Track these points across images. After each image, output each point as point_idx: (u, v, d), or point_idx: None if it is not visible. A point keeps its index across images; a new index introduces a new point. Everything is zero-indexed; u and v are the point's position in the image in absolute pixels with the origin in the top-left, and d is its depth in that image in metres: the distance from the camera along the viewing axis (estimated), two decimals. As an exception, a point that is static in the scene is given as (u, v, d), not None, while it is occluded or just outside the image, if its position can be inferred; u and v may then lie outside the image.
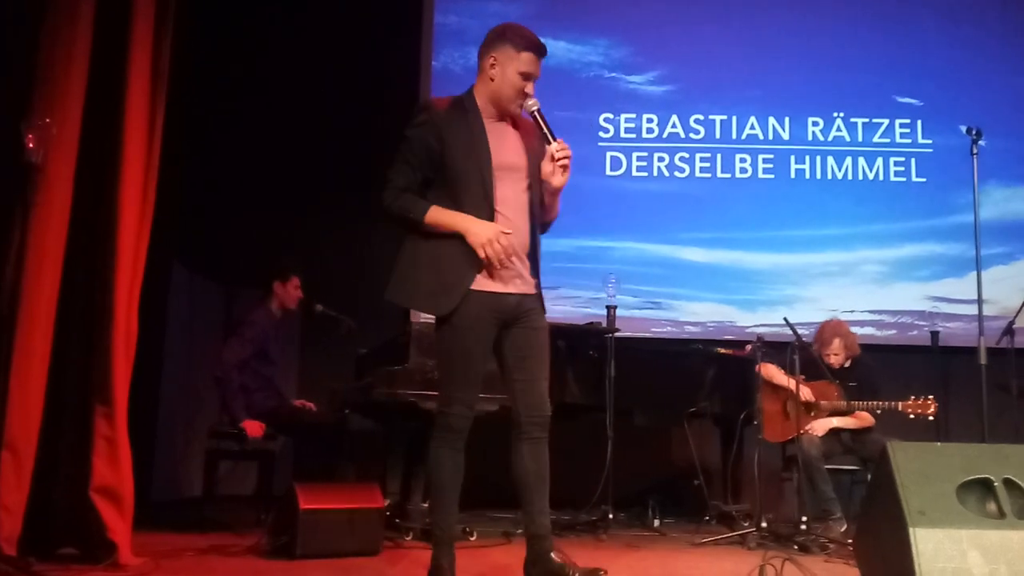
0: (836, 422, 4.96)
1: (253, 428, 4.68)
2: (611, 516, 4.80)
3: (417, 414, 4.25)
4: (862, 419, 4.97)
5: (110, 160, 3.33)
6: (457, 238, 2.87)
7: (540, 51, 2.98)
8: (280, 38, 6.64)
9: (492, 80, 2.98)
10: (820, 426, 4.93)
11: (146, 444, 5.08)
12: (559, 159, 2.92)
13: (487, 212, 2.89)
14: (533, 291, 3.00)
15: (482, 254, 2.84)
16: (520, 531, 4.30)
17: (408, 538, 4.26)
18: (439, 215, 2.88)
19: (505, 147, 2.99)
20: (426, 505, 4.56)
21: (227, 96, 6.38)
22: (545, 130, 2.94)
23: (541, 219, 3.04)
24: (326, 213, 6.43)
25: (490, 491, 5.03)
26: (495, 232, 2.84)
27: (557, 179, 2.94)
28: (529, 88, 2.96)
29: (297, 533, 3.64)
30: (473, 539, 4.32)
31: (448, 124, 2.94)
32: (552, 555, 2.96)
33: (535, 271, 3.02)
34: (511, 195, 2.95)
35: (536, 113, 2.96)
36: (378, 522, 3.87)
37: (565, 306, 6.39)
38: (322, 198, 6.47)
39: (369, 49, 6.67)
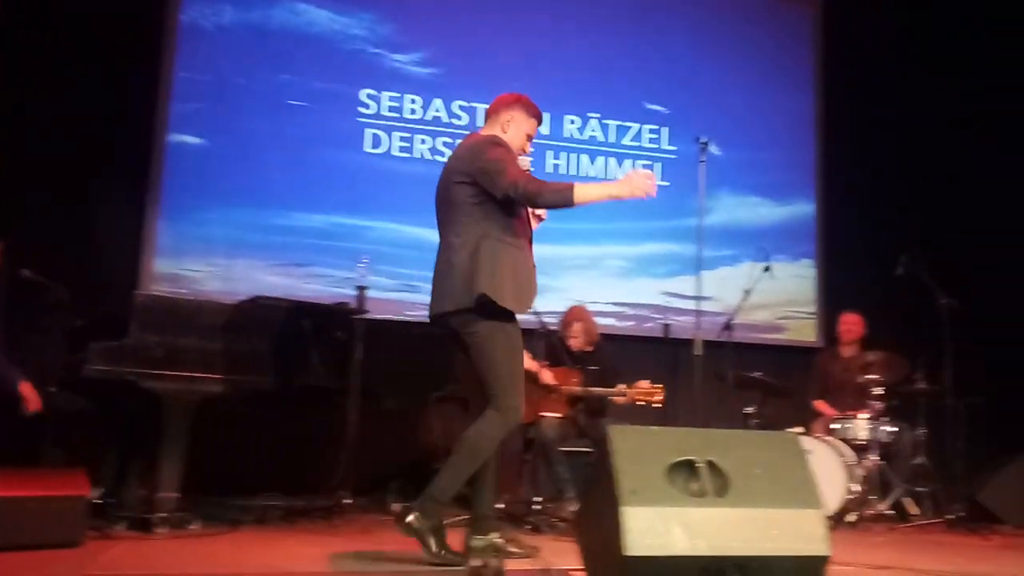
0: None
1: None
2: (349, 501, 4.69)
3: (137, 394, 3.93)
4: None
5: None
6: (527, 251, 3.53)
7: (541, 120, 3.74)
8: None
9: (505, 132, 3.64)
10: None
11: None
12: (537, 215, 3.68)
13: (528, 223, 3.61)
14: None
15: (643, 195, 3.34)
16: (250, 519, 4.25)
17: (120, 528, 3.93)
18: (585, 188, 3.48)
19: None
20: (142, 492, 4.24)
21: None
22: None
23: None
24: (48, 175, 5.69)
25: (214, 478, 4.82)
26: (641, 179, 3.36)
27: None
28: (528, 147, 3.70)
29: (-14, 523, 3.27)
30: (195, 527, 4.04)
31: None
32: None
33: None
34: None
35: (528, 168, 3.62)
36: (80, 511, 3.55)
37: (316, 285, 6.21)
38: (45, 157, 5.68)
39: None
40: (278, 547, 3.82)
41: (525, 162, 3.66)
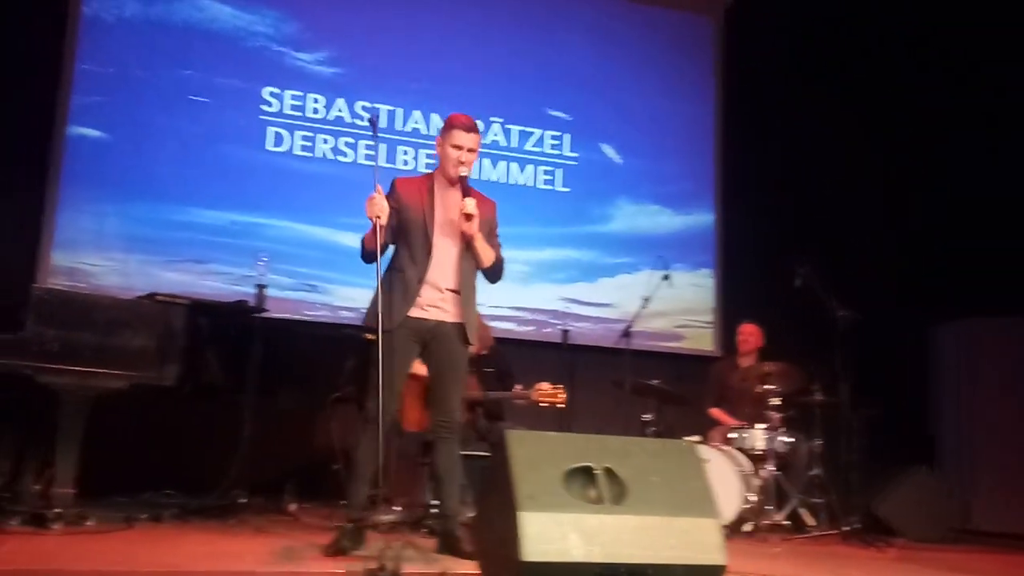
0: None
1: None
2: (244, 501, 4.67)
3: (32, 388, 3.85)
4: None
5: None
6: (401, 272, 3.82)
7: (466, 127, 3.84)
8: None
9: (439, 155, 3.90)
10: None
11: None
12: (463, 212, 3.73)
13: (425, 254, 3.81)
14: (452, 319, 3.82)
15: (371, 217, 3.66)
16: (145, 516, 4.34)
17: (14, 523, 3.85)
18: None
19: (446, 207, 3.84)
20: (37, 487, 4.16)
21: None
22: (463, 190, 3.77)
23: (479, 266, 3.88)
24: None
25: (110, 474, 4.74)
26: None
27: (463, 227, 3.75)
28: (463, 157, 3.81)
29: None
30: (90, 524, 3.99)
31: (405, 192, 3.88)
32: (457, 533, 3.78)
33: (464, 303, 3.83)
34: (445, 245, 3.82)
35: (463, 179, 3.80)
36: (-28, 506, 3.46)
37: (215, 282, 6.13)
38: None
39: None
40: (172, 544, 3.79)
41: (461, 171, 3.80)
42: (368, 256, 3.75)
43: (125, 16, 6.27)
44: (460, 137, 3.83)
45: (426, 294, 3.81)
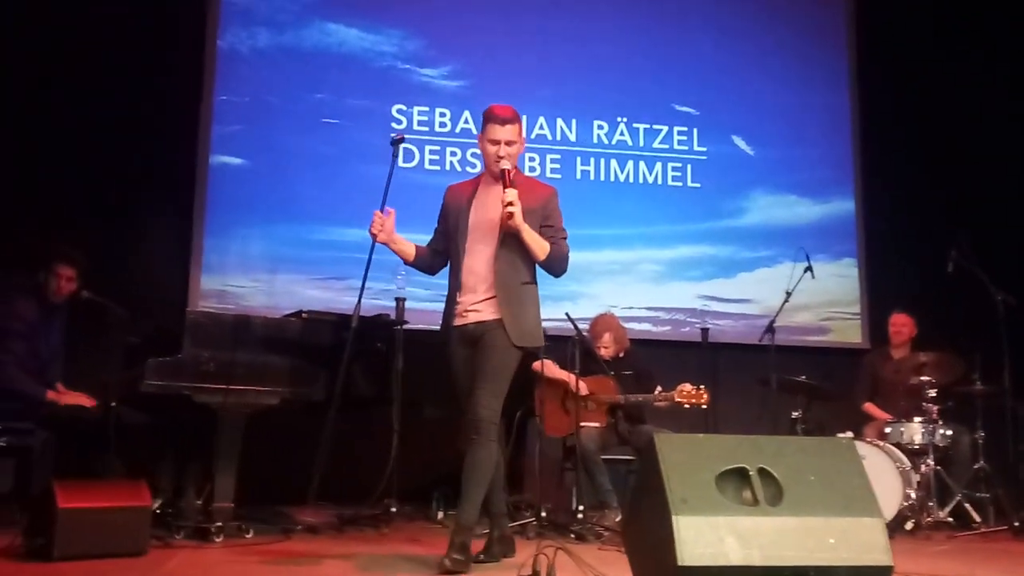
0: None
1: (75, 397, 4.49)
2: (394, 510, 4.77)
3: (191, 407, 4.05)
4: None
5: None
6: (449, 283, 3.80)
7: (498, 120, 3.64)
8: (55, 11, 6.11)
9: (481, 151, 3.75)
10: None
11: None
12: (504, 204, 3.52)
13: (458, 261, 3.74)
14: (490, 318, 3.63)
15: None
16: (300, 528, 4.53)
17: (179, 537, 4.06)
18: None
19: (485, 206, 3.69)
20: (200, 503, 4.39)
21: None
22: (504, 182, 3.57)
23: (535, 260, 3.67)
24: (100, 195, 6.00)
25: (267, 487, 4.92)
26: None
27: (506, 221, 3.55)
28: (502, 151, 3.62)
29: (55, 534, 3.40)
30: (250, 536, 4.16)
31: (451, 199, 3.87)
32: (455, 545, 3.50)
33: (503, 303, 3.62)
34: (477, 249, 3.68)
35: (504, 172, 3.59)
36: (144, 521, 3.65)
37: (355, 297, 6.23)
38: (96, 179, 6.01)
39: (150, 25, 6.21)
40: (330, 554, 3.90)
41: (503, 165, 3.61)
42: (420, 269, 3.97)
43: (258, 46, 6.55)
44: (495, 131, 3.64)
45: (464, 301, 3.70)
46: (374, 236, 3.72)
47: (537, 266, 3.71)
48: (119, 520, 3.55)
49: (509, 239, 3.63)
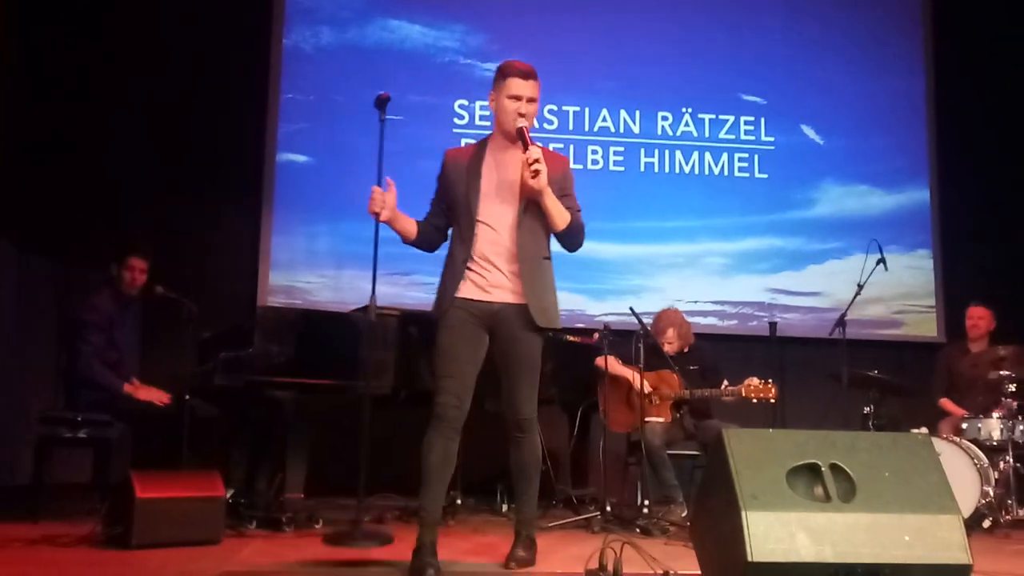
0: None
1: (150, 393, 4.63)
2: (459, 502, 4.82)
3: (262, 400, 4.14)
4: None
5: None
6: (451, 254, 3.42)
7: (520, 73, 3.34)
8: (126, 16, 6.30)
9: (494, 111, 3.42)
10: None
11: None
12: (529, 163, 3.22)
13: (470, 228, 3.35)
14: (516, 300, 3.31)
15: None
16: (368, 518, 4.43)
17: (252, 527, 4.16)
18: None
19: (501, 169, 3.37)
20: (270, 492, 4.48)
21: (67, 69, 6.11)
22: (524, 142, 3.26)
23: (553, 230, 3.39)
24: (171, 193, 6.19)
25: (335, 478, 4.98)
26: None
27: (530, 183, 3.24)
28: (523, 108, 3.31)
29: (133, 522, 3.53)
30: (319, 526, 4.23)
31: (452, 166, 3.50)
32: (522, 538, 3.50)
33: (527, 279, 3.31)
34: (496, 213, 3.34)
35: (521, 130, 3.29)
36: (218, 511, 3.77)
37: (419, 293, 6.33)
38: (167, 177, 6.21)
39: (217, 26, 6.38)
40: (397, 542, 3.93)
41: (520, 122, 3.31)
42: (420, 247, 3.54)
43: (322, 44, 6.64)
44: (518, 86, 3.32)
45: (481, 272, 3.33)
46: (376, 215, 3.39)
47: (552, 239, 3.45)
48: (194, 509, 3.67)
49: (531, 206, 3.35)
